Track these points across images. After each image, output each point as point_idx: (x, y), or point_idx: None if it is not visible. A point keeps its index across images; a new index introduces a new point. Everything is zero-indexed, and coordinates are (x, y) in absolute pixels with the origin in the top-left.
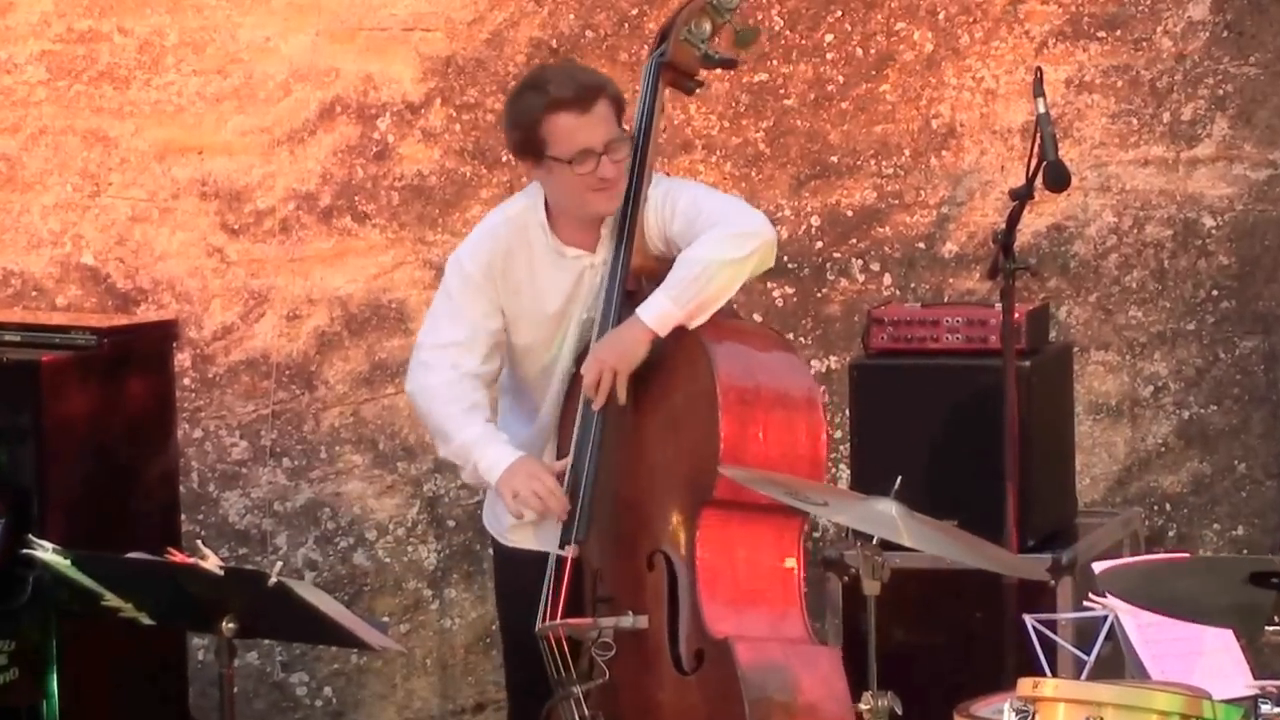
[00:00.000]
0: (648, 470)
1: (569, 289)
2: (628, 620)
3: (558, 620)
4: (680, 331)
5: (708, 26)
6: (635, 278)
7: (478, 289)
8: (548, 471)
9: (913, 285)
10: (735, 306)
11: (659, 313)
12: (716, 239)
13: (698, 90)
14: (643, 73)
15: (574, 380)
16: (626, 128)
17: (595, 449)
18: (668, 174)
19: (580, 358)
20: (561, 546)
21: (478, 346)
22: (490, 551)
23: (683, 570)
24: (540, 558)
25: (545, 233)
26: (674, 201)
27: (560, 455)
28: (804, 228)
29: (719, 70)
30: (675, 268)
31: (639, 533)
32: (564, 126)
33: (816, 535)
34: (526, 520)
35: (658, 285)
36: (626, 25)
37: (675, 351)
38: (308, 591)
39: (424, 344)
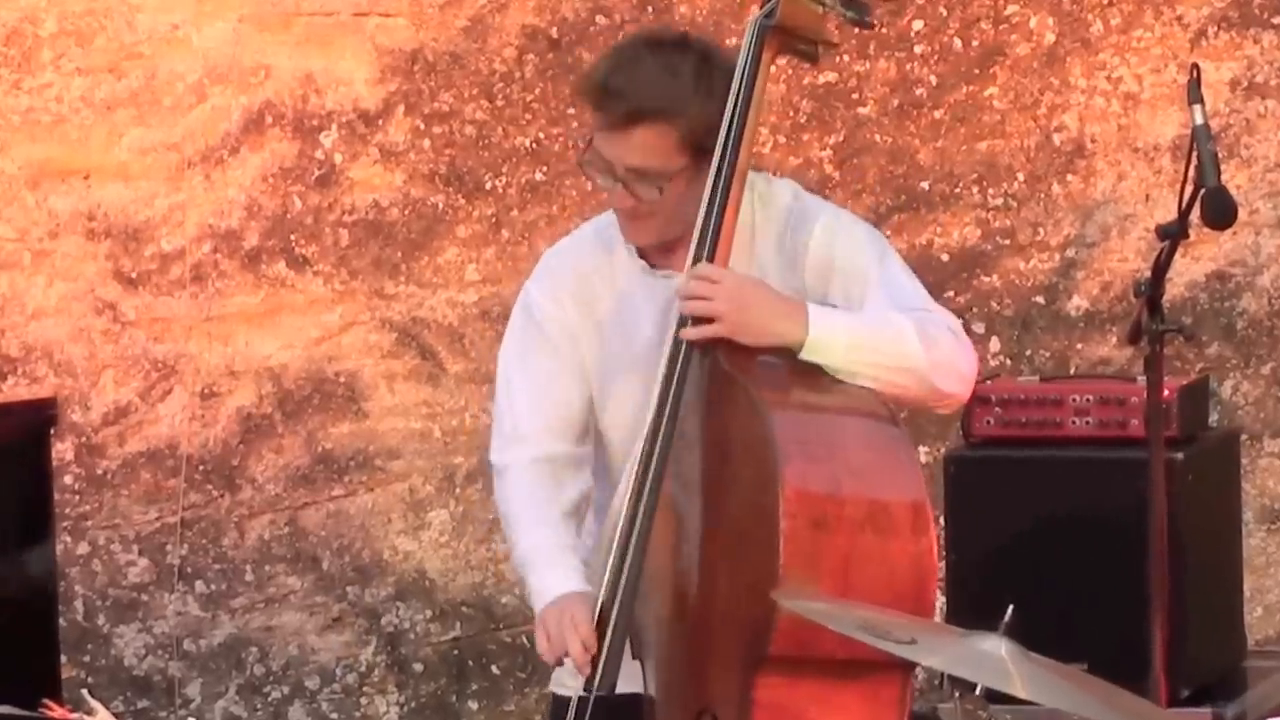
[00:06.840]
0: (704, 599)
1: (659, 320)
2: None
3: None
4: (745, 408)
5: None
6: None
7: (556, 331)
8: (590, 617)
9: (1028, 353)
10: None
11: (828, 323)
12: (933, 333)
13: (822, 57)
14: (743, 41)
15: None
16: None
17: (637, 562)
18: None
19: (658, 416)
20: (586, 689)
21: (566, 423)
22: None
23: None
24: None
25: (628, 245)
26: (856, 254)
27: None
28: None
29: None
30: (868, 312)
31: (689, 679)
32: (595, 128)
33: None
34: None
35: None
36: (651, 10)
37: (737, 439)
38: None
39: (499, 428)
